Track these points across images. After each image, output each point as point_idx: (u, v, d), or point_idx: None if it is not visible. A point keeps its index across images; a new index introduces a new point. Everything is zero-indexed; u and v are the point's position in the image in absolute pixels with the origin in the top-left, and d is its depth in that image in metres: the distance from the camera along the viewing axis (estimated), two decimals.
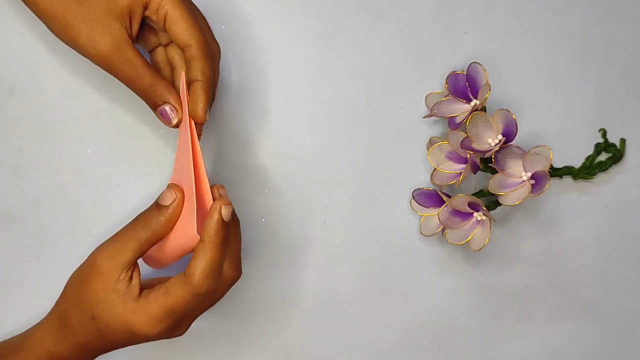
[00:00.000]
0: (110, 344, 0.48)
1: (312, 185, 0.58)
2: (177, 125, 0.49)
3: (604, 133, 0.59)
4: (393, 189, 0.58)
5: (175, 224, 0.47)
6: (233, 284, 0.49)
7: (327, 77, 0.58)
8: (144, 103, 0.49)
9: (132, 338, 0.46)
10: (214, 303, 0.49)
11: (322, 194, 0.58)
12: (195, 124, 0.48)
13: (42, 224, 0.56)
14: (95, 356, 0.49)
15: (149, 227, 0.46)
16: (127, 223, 0.48)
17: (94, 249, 0.48)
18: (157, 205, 0.47)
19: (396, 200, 0.58)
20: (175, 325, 0.47)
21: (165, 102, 0.48)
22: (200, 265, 0.45)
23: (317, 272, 0.57)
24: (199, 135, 0.49)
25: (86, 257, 0.48)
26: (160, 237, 0.47)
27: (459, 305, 0.59)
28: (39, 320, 0.51)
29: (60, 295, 0.49)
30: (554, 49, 0.59)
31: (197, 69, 0.47)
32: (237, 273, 0.49)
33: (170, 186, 0.47)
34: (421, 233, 0.56)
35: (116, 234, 0.47)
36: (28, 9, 0.48)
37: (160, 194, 0.47)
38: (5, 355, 0.49)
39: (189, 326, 0.49)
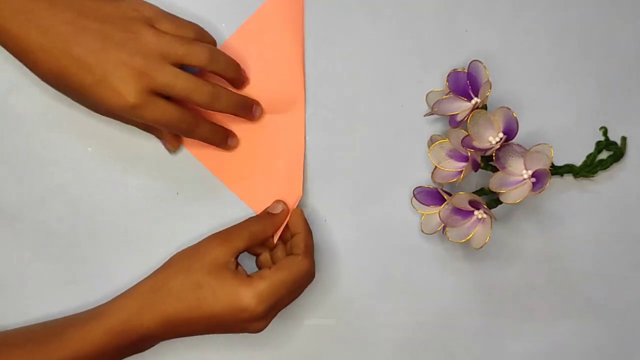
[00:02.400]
0: (198, 321, 0.49)
1: (313, 183, 0.58)
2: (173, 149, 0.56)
3: (605, 131, 0.59)
4: (394, 187, 0.58)
5: (280, 228, 0.55)
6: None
7: (327, 76, 0.57)
8: None
9: (233, 313, 0.49)
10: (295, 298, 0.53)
11: (323, 192, 0.58)
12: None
13: (43, 223, 0.56)
14: (169, 337, 0.51)
15: (260, 225, 0.53)
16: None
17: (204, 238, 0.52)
18: (267, 213, 0.54)
19: (397, 199, 0.58)
20: (271, 309, 0.50)
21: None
22: (303, 245, 0.52)
23: (317, 270, 0.57)
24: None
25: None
26: (268, 235, 0.54)
27: (459, 303, 0.59)
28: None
29: (160, 268, 0.51)
30: (555, 47, 0.59)
31: None
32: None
33: (278, 201, 0.55)
34: (422, 231, 0.56)
35: (230, 227, 0.53)
36: None
37: (271, 206, 0.55)
38: (75, 325, 0.50)
39: (272, 319, 0.52)
